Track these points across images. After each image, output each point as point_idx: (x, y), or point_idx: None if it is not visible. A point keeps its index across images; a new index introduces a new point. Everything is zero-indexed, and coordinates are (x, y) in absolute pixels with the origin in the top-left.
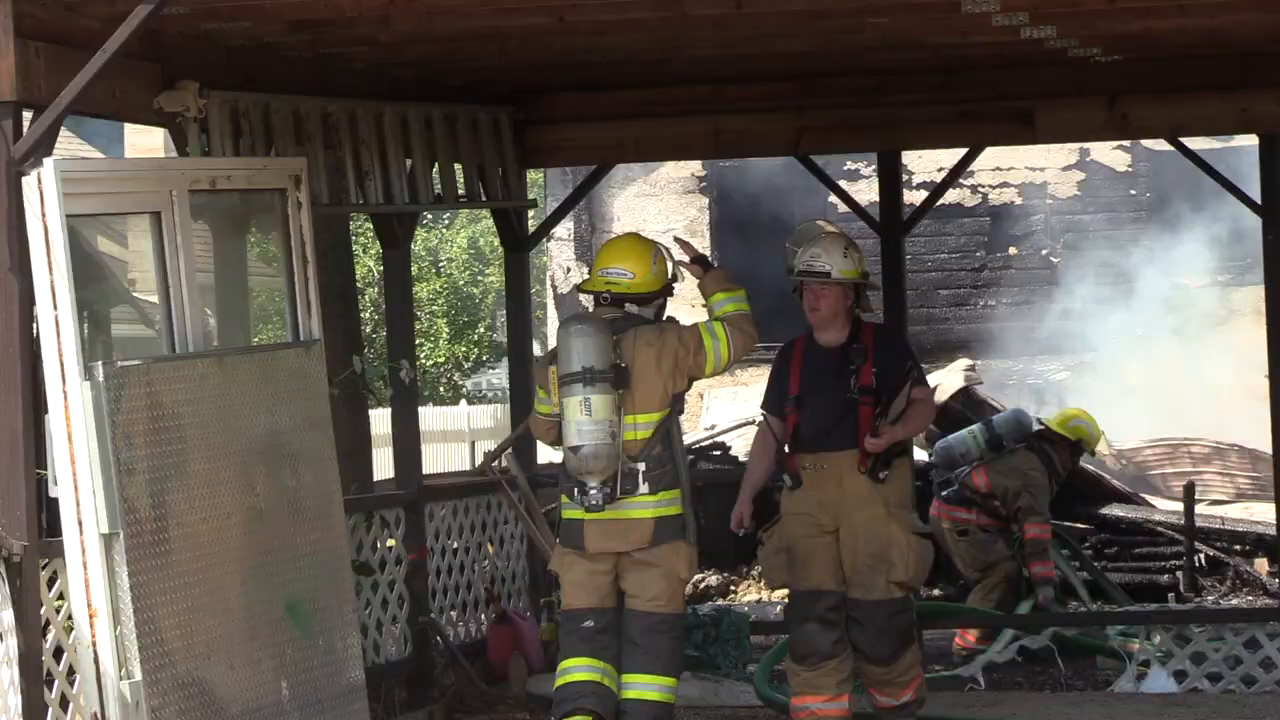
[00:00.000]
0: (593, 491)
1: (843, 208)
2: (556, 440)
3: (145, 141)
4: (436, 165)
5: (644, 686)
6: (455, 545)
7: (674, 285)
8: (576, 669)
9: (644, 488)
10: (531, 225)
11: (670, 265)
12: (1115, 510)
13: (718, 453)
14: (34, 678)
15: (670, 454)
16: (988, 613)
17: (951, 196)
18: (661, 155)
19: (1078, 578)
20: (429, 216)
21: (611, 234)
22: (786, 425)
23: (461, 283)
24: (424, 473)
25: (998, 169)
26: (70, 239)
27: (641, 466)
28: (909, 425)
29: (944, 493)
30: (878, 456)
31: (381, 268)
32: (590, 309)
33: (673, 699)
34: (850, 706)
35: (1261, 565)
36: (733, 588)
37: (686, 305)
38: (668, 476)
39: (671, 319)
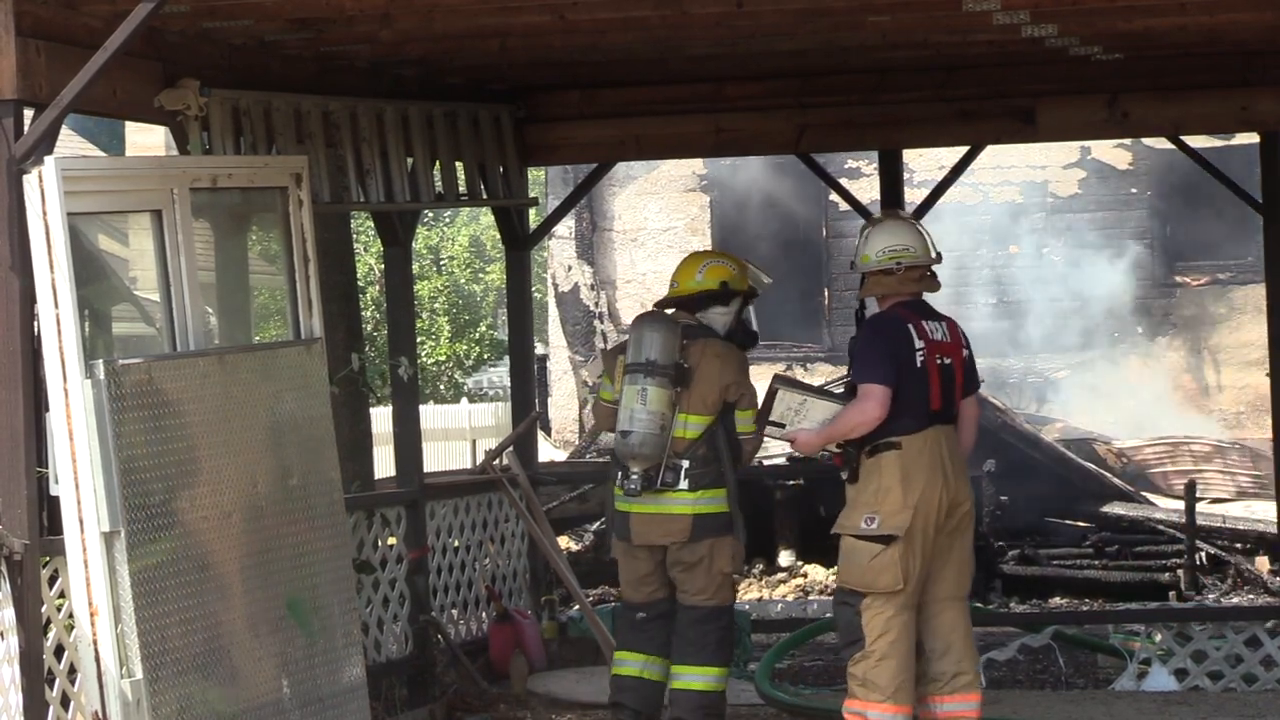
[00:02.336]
0: (634, 477)
1: (844, 206)
2: (614, 428)
3: (146, 140)
4: (438, 163)
5: (690, 677)
6: (456, 543)
7: (732, 294)
8: (623, 662)
9: (684, 484)
10: (533, 223)
11: (734, 273)
12: (1116, 508)
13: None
14: (35, 676)
15: (716, 455)
16: (988, 611)
17: (953, 194)
18: (663, 153)
19: None
20: (430, 214)
21: (612, 232)
22: None
23: (462, 281)
24: (425, 471)
25: (998, 167)
26: (71, 237)
27: (685, 464)
28: (827, 430)
29: None
30: (844, 459)
31: (382, 266)
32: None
33: (720, 686)
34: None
35: (1262, 563)
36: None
37: None
38: (710, 476)
39: (742, 353)
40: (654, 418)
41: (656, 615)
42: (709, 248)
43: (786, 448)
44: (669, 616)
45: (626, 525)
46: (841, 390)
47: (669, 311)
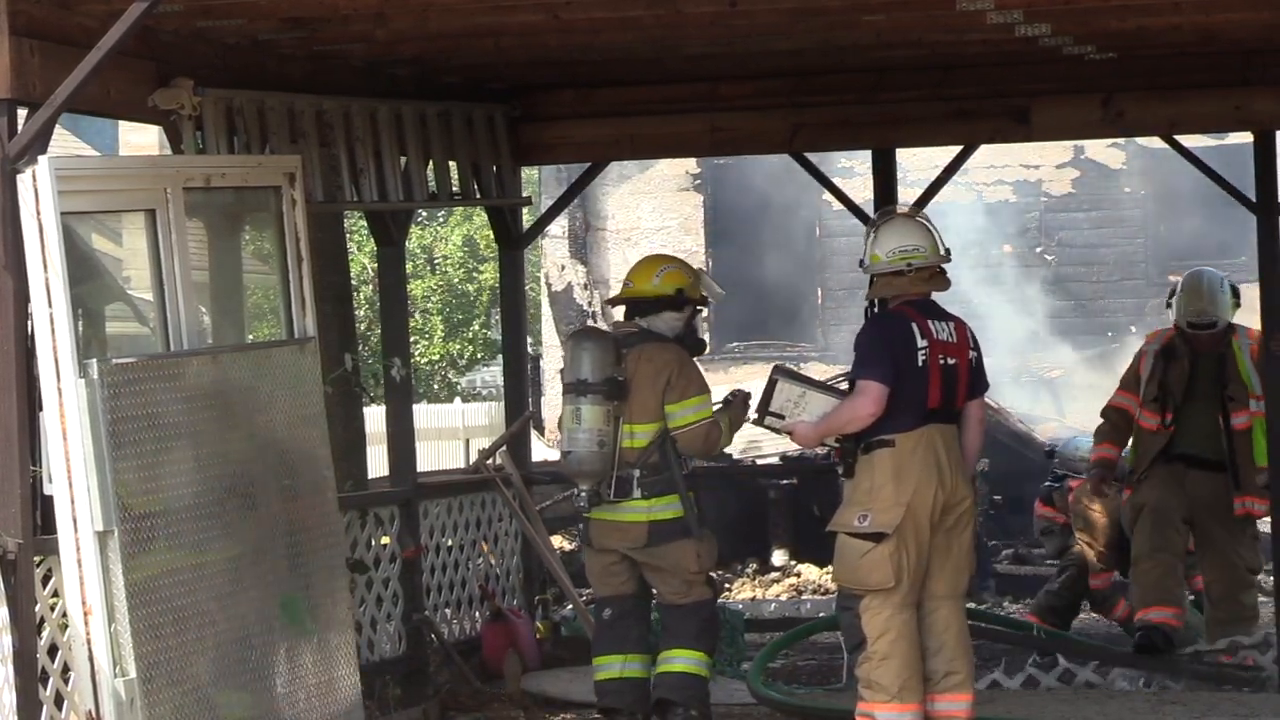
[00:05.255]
0: (581, 493)
1: (837, 205)
2: None
3: (140, 139)
4: (431, 162)
5: (672, 660)
6: (450, 543)
7: (686, 300)
8: (603, 666)
9: (637, 493)
10: (526, 223)
11: (689, 280)
12: None
13: None
14: (29, 675)
15: (666, 461)
16: (983, 612)
17: (946, 194)
18: (657, 153)
19: None
20: (424, 214)
21: (606, 231)
22: None
23: (456, 280)
24: (418, 470)
25: (992, 166)
26: (65, 236)
27: (637, 473)
28: (823, 424)
29: None
30: (842, 454)
31: (376, 265)
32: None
33: (702, 671)
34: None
35: None
36: (727, 585)
37: None
38: (662, 483)
39: (681, 350)
40: (591, 435)
41: (624, 612)
42: (702, 247)
43: (781, 445)
44: (638, 614)
45: (588, 531)
46: (845, 386)
47: (618, 317)
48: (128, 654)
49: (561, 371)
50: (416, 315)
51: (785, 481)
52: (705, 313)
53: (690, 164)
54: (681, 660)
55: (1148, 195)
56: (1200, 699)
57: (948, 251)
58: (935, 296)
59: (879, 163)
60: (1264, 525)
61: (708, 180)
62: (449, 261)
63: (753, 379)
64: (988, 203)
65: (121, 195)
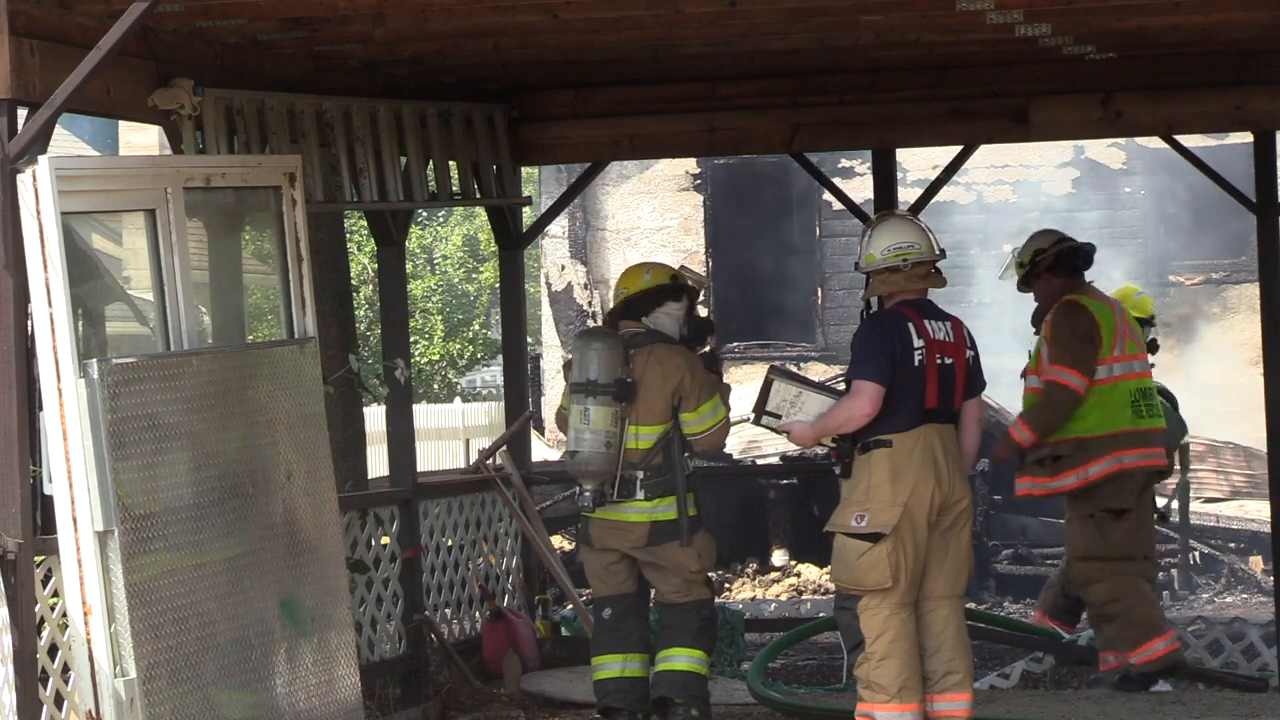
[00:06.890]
0: (586, 494)
1: (837, 205)
2: None
3: (140, 139)
4: (431, 162)
5: (673, 659)
6: (449, 543)
7: (680, 287)
8: (602, 665)
9: (640, 494)
10: (526, 223)
11: (675, 272)
12: None
13: None
14: (29, 675)
15: (670, 463)
16: (982, 614)
17: (946, 194)
18: (656, 153)
19: None
20: (423, 214)
21: (606, 231)
22: None
23: (456, 280)
24: (418, 470)
25: (991, 166)
26: (65, 236)
27: (640, 474)
28: (819, 424)
29: None
30: (839, 453)
31: (376, 265)
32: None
33: (702, 670)
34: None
35: (1256, 563)
36: (727, 585)
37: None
38: (664, 484)
39: (689, 353)
40: (599, 436)
41: (624, 611)
42: (702, 247)
43: (780, 445)
44: (638, 614)
45: (588, 531)
46: (842, 386)
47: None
48: (128, 654)
49: (563, 371)
50: (416, 315)
51: (785, 481)
52: (701, 297)
53: (690, 164)
54: (682, 659)
55: (1147, 195)
56: (1200, 699)
57: (942, 250)
58: (932, 295)
59: (879, 163)
60: (1261, 524)
61: (708, 180)
62: (449, 261)
63: (753, 379)
64: (987, 203)
65: (121, 195)
